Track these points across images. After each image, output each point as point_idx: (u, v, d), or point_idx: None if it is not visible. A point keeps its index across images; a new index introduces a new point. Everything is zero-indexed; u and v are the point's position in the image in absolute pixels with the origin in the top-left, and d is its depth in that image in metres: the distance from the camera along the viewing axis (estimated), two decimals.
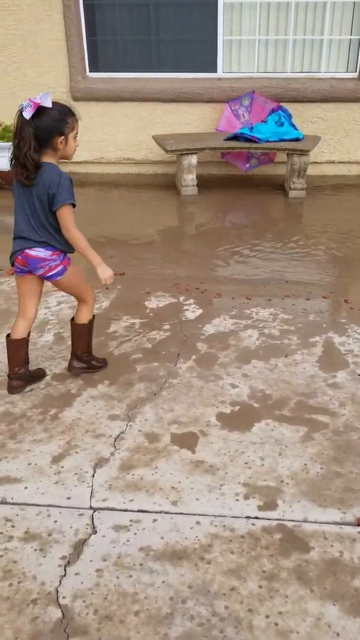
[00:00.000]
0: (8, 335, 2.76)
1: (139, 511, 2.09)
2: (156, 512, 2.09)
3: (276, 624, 1.69)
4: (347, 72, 6.32)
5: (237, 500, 2.14)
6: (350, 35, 6.18)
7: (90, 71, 6.42)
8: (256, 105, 6.18)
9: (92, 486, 2.20)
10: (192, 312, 3.59)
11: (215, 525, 2.03)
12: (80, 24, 6.20)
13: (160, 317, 3.53)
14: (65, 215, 2.46)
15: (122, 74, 6.40)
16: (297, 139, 5.77)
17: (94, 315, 2.88)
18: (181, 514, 2.08)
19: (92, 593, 1.79)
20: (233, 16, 6.19)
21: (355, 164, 6.57)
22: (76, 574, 1.85)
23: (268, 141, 5.69)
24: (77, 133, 2.49)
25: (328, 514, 2.08)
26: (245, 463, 2.33)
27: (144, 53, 6.39)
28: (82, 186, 6.31)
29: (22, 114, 2.32)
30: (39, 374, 2.90)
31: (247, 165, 6.40)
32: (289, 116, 6.03)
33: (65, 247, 2.59)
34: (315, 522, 2.05)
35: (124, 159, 6.58)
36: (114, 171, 6.66)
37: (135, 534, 1.99)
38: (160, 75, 6.38)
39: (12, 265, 2.63)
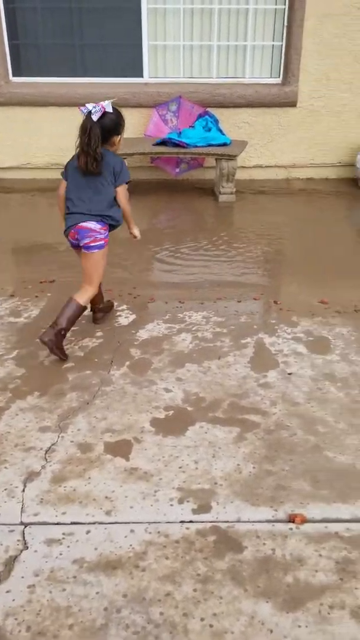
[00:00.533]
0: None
1: (71, 523, 2.06)
2: (89, 524, 2.06)
3: (211, 626, 1.70)
4: (271, 77, 6.46)
5: (171, 505, 2.14)
6: (273, 41, 6.33)
7: (13, 75, 6.29)
8: (183, 110, 6.24)
9: (22, 501, 2.14)
10: (125, 317, 3.58)
11: (150, 532, 2.02)
12: (1, 27, 6.07)
13: (93, 324, 3.50)
14: (124, 190, 3.08)
15: (47, 78, 6.31)
16: (224, 144, 5.85)
17: (86, 307, 3.17)
18: (115, 523, 2.06)
19: (24, 610, 1.74)
20: (157, 21, 6.22)
21: (282, 168, 6.73)
22: (7, 591, 1.80)
23: (196, 146, 5.75)
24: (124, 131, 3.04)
25: (260, 513, 2.11)
26: (180, 467, 2.33)
27: (69, 58, 6.32)
28: (8, 192, 6.17)
29: (90, 116, 2.83)
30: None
31: (177, 170, 6.44)
32: (216, 121, 6.11)
33: (114, 220, 3.07)
34: (248, 522, 2.07)
35: (52, 165, 6.47)
36: (41, 177, 6.54)
37: (68, 547, 1.96)
38: (85, 80, 6.33)
39: (67, 237, 3.08)
